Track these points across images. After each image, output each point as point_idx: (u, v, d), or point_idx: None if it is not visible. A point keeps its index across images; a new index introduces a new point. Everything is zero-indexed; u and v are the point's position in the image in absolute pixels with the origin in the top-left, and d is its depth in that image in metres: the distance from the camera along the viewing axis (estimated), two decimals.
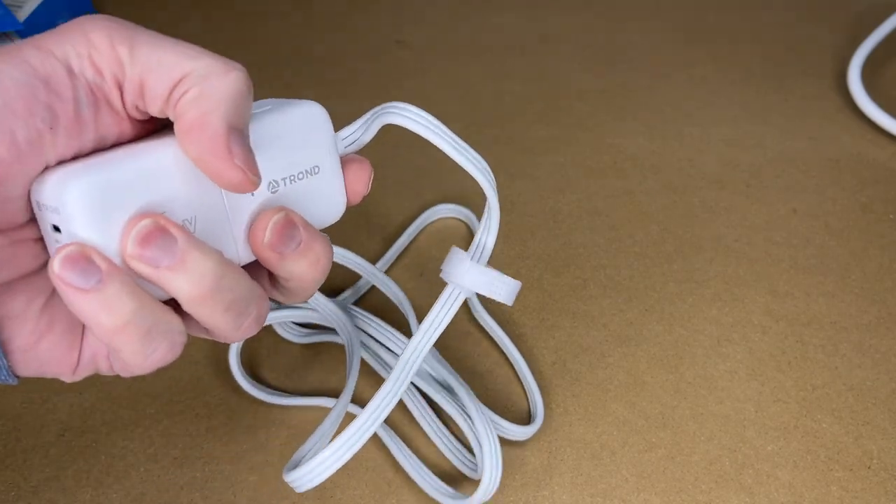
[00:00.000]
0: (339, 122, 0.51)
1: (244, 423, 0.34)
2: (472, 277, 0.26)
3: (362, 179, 0.26)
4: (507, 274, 0.40)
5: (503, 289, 0.27)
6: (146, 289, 0.20)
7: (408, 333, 0.36)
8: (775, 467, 0.33)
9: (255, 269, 0.24)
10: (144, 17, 0.60)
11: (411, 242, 0.42)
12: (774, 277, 0.40)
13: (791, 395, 0.35)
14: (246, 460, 0.33)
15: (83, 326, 0.23)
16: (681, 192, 0.45)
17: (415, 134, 0.49)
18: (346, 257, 0.38)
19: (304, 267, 0.23)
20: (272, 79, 0.54)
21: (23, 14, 0.50)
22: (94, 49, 0.20)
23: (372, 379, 0.36)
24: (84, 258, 0.19)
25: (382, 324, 0.36)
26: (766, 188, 0.45)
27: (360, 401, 0.35)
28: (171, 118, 0.21)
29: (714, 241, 0.42)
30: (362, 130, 0.25)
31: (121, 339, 0.20)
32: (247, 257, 0.23)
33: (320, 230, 0.24)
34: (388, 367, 0.35)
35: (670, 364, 0.37)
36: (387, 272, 0.41)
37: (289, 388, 0.36)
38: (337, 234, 0.43)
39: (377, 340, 0.36)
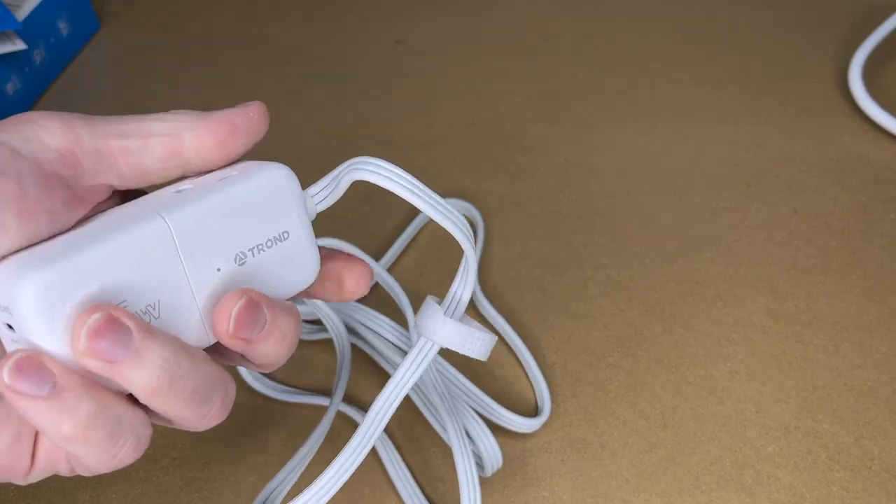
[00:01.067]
0: (339, 122, 0.51)
1: (244, 424, 0.34)
2: (445, 333, 0.25)
3: (361, 282, 0.25)
4: (506, 275, 0.40)
5: (477, 345, 0.26)
6: (105, 384, 0.19)
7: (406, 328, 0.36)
8: (776, 468, 0.33)
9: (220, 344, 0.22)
10: (145, 17, 0.60)
11: (412, 241, 0.42)
12: (775, 277, 0.40)
13: (792, 395, 0.35)
14: (245, 461, 0.33)
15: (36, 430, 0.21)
16: (681, 192, 0.44)
17: (414, 134, 0.49)
18: (352, 252, 0.38)
19: (270, 346, 0.21)
20: (272, 79, 0.54)
21: (22, 13, 0.50)
22: (43, 129, 0.20)
23: (373, 378, 0.36)
24: (35, 365, 0.18)
25: (384, 318, 0.36)
26: (766, 188, 0.45)
27: (358, 401, 0.35)
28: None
29: (714, 241, 0.42)
30: (332, 187, 0.24)
31: (82, 445, 0.18)
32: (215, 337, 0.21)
33: (293, 296, 0.23)
34: (388, 362, 0.35)
35: (671, 364, 0.36)
36: (388, 271, 0.41)
37: (290, 383, 0.36)
38: (338, 232, 0.43)
39: (379, 334, 0.36)
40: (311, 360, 0.37)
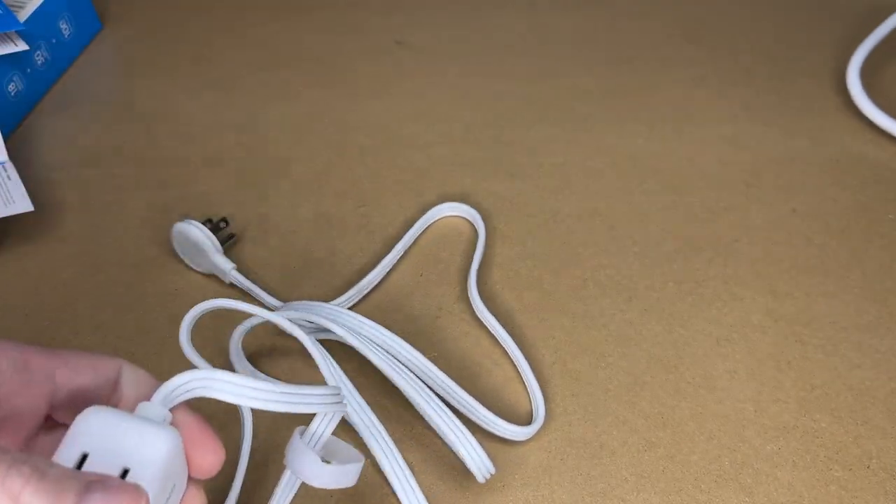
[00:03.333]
0: (340, 123, 0.51)
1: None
2: (312, 472, 0.25)
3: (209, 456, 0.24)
4: (506, 275, 0.40)
5: (345, 478, 0.26)
6: None
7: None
8: (774, 467, 0.33)
9: None
10: (147, 18, 0.60)
11: (413, 243, 0.42)
12: (774, 277, 0.40)
13: (790, 394, 0.35)
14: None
15: None
16: (680, 192, 0.45)
17: (414, 134, 0.49)
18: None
19: None
20: (272, 79, 0.54)
21: (24, 14, 0.50)
22: None
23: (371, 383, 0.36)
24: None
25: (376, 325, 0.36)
26: (765, 188, 0.45)
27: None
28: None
29: (714, 241, 0.42)
30: (174, 398, 0.23)
31: None
32: None
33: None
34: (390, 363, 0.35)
35: (670, 364, 0.37)
36: (389, 273, 0.41)
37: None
38: (336, 235, 0.43)
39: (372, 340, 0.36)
40: (310, 361, 0.37)
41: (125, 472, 0.21)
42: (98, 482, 0.20)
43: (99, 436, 0.21)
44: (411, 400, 0.33)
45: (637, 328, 0.38)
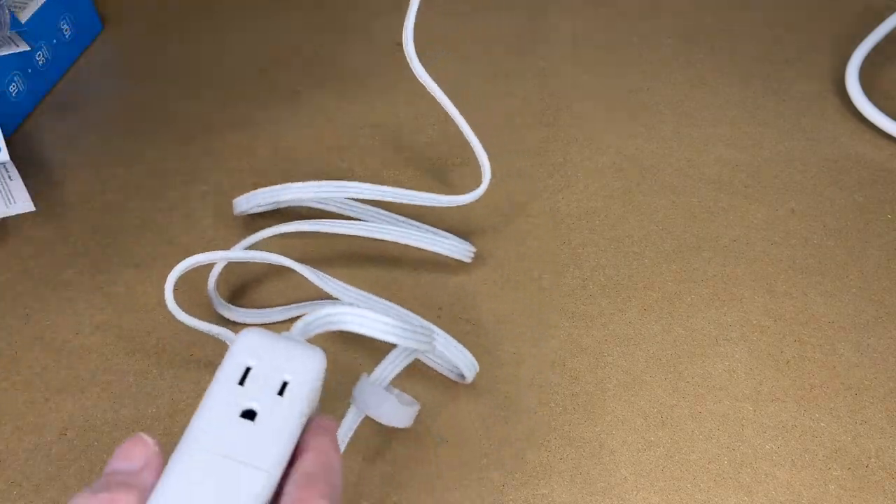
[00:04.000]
0: (340, 125, 0.51)
1: None
2: (380, 406, 0.30)
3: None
4: (505, 275, 0.41)
5: (406, 416, 0.31)
6: None
7: None
8: (773, 466, 0.33)
9: None
10: (148, 19, 0.60)
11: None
12: (773, 277, 0.40)
13: (789, 394, 0.35)
14: None
15: None
16: (679, 193, 0.45)
17: (415, 135, 0.49)
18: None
19: None
20: (273, 80, 0.54)
21: (25, 15, 0.50)
22: None
23: None
24: None
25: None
26: (764, 188, 0.45)
27: None
28: None
29: (712, 241, 0.42)
30: (310, 331, 0.27)
31: None
32: None
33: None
34: None
35: (669, 363, 0.37)
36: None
37: None
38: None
39: None
40: None
41: (285, 384, 0.23)
42: None
43: (259, 352, 0.23)
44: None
45: (636, 328, 0.38)
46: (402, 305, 0.39)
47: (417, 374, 0.36)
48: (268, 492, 0.21)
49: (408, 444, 0.34)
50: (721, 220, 0.43)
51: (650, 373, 0.36)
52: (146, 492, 0.21)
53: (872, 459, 0.33)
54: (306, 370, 0.23)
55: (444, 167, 0.47)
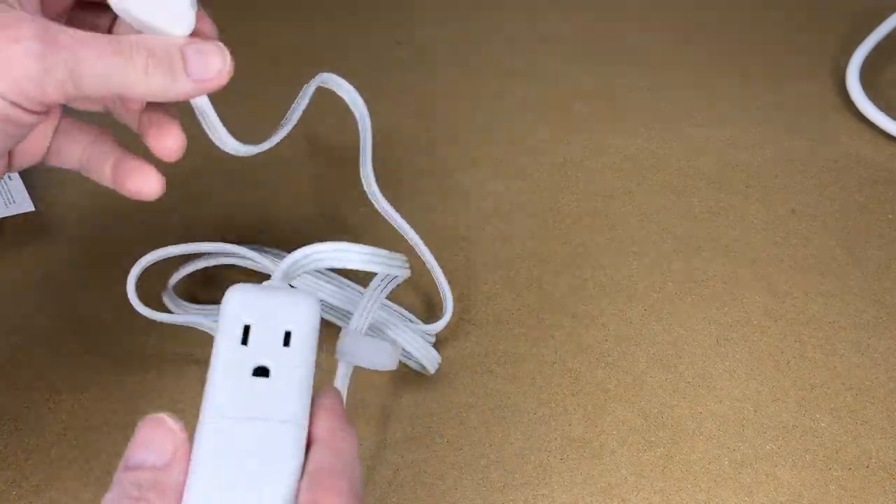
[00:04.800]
0: (340, 123, 0.51)
1: None
2: (366, 351, 0.30)
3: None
4: (506, 275, 0.41)
5: (392, 356, 0.30)
6: None
7: None
8: (774, 466, 0.33)
9: None
10: None
11: None
12: (773, 277, 0.40)
13: (790, 394, 0.35)
14: None
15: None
16: (680, 193, 0.45)
17: (415, 134, 0.49)
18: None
19: None
20: (273, 79, 0.54)
21: None
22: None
23: None
24: None
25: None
26: (765, 188, 0.45)
27: None
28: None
29: (713, 241, 0.42)
30: (291, 275, 0.27)
31: None
32: None
33: None
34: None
35: (669, 363, 0.37)
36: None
37: None
38: (338, 234, 0.43)
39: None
40: None
41: (287, 335, 0.22)
42: (191, 44, 0.24)
43: (254, 308, 0.23)
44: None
45: (637, 328, 0.38)
46: (400, 304, 0.39)
47: (416, 379, 0.36)
48: (302, 443, 0.21)
49: (408, 445, 0.34)
50: (722, 220, 0.43)
51: (650, 373, 0.36)
52: (180, 492, 0.19)
53: (873, 460, 0.33)
54: (305, 316, 0.23)
55: (445, 171, 0.47)
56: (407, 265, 0.29)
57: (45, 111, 0.23)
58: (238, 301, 0.23)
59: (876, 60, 0.51)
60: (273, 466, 0.20)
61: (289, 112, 0.31)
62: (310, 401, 0.22)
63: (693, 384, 0.36)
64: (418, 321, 0.38)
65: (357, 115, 0.35)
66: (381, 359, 0.30)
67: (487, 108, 0.51)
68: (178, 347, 0.38)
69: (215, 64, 0.25)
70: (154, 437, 0.20)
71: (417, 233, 0.37)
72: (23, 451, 0.34)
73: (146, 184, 0.27)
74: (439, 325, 0.36)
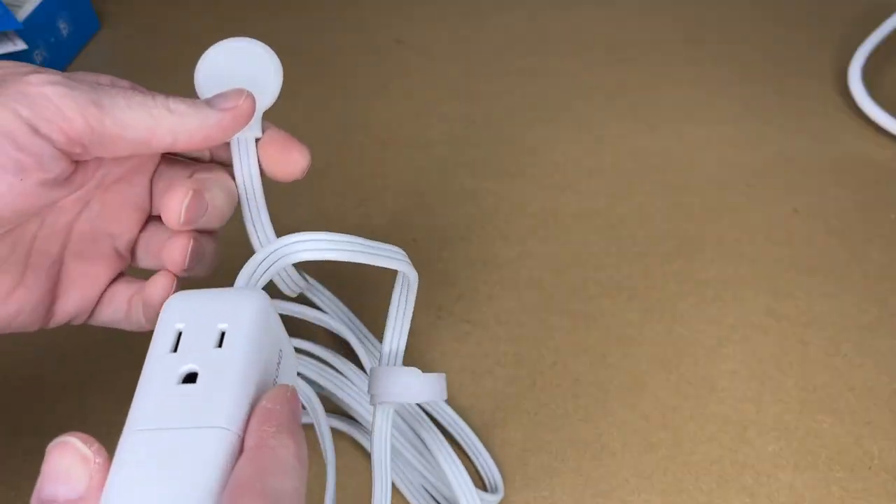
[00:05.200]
0: (339, 123, 0.51)
1: None
2: (412, 387, 0.26)
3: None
4: (506, 275, 0.40)
5: (440, 387, 0.26)
6: None
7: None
8: (776, 468, 0.33)
9: None
10: (145, 18, 0.60)
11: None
12: (775, 278, 0.40)
13: (792, 395, 0.35)
14: None
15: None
16: (681, 192, 0.44)
17: (414, 134, 0.49)
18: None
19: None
20: None
21: (23, 14, 0.50)
22: (61, 115, 0.22)
23: None
24: None
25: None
26: (766, 188, 0.45)
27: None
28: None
29: (714, 241, 0.42)
30: (259, 275, 0.23)
31: None
32: None
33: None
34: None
35: (671, 364, 0.36)
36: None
37: None
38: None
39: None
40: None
41: (222, 335, 0.20)
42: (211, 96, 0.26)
43: (188, 312, 0.21)
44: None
45: (637, 328, 0.38)
46: None
47: None
48: (230, 448, 0.18)
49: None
50: (723, 219, 0.43)
51: (652, 374, 0.36)
52: None
53: (875, 461, 0.33)
54: (244, 312, 0.20)
55: (452, 166, 0.47)
56: (406, 258, 0.26)
57: (70, 151, 0.23)
58: (174, 309, 0.21)
59: (878, 59, 0.51)
60: (192, 477, 0.18)
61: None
62: (248, 403, 0.19)
63: (695, 385, 0.36)
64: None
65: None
66: (430, 390, 0.26)
67: (487, 107, 0.51)
68: None
69: (236, 94, 0.26)
70: (64, 466, 0.18)
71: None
72: (21, 451, 0.34)
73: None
74: (494, 499, 0.32)
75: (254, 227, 0.27)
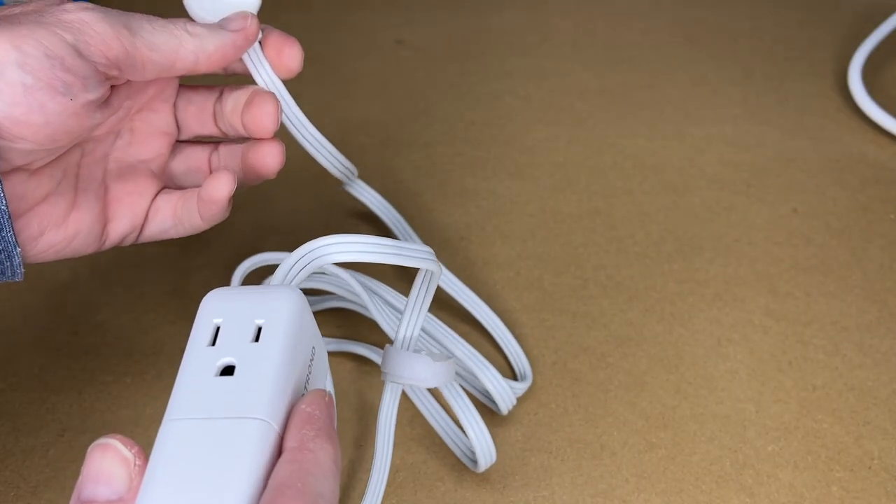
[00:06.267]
0: (339, 122, 0.51)
1: None
2: (423, 371, 0.27)
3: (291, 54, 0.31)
4: (506, 275, 0.40)
5: (449, 372, 0.28)
6: None
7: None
8: (776, 467, 0.33)
9: None
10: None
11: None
12: (775, 277, 0.40)
13: (792, 395, 0.35)
14: None
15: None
16: (681, 192, 0.45)
17: (414, 134, 0.49)
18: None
19: None
20: None
21: None
22: (100, 39, 0.24)
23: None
24: None
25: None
26: (766, 188, 0.45)
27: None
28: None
29: (714, 241, 0.42)
30: (294, 275, 0.24)
31: None
32: None
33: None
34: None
35: (671, 364, 0.36)
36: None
37: None
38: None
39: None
40: None
41: (259, 330, 0.21)
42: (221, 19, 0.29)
43: (226, 308, 0.21)
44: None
45: (637, 328, 0.38)
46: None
47: None
48: (270, 439, 0.19)
49: (407, 446, 0.34)
50: (723, 219, 0.43)
51: (652, 373, 0.36)
52: None
53: (875, 461, 0.33)
54: (279, 309, 0.21)
55: (452, 165, 0.47)
56: (434, 257, 0.27)
57: (108, 74, 0.25)
58: (213, 304, 0.22)
59: (878, 59, 0.51)
60: (232, 465, 0.18)
61: None
62: (286, 398, 0.20)
63: (694, 385, 0.36)
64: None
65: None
66: (437, 376, 0.27)
67: (487, 107, 0.51)
68: (178, 347, 0.37)
69: (245, 18, 0.29)
70: (105, 467, 0.18)
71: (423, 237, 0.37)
72: (21, 451, 0.34)
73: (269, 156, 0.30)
74: (524, 386, 0.34)
75: (291, 123, 0.31)
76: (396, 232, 0.40)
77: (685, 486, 0.32)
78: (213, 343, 0.21)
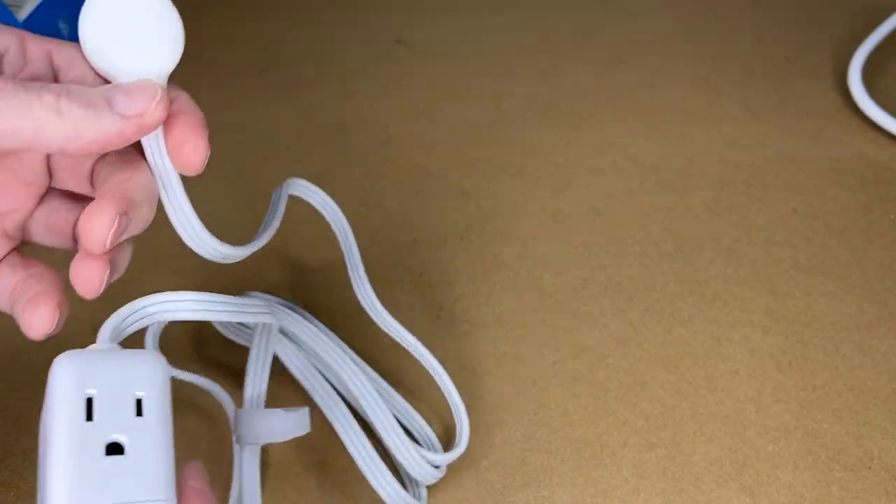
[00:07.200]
0: (340, 123, 0.51)
1: None
2: (273, 427, 0.26)
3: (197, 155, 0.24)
4: (506, 275, 0.40)
5: (304, 423, 0.27)
6: None
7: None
8: (776, 467, 0.33)
9: None
10: None
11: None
12: (775, 277, 0.40)
13: (791, 395, 0.35)
14: None
15: None
16: (681, 192, 0.45)
17: (414, 134, 0.49)
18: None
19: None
20: (272, 80, 0.54)
21: (23, 14, 0.50)
22: None
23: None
24: None
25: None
26: (766, 188, 0.45)
27: None
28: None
29: (714, 241, 0.42)
30: (118, 335, 0.24)
31: None
32: None
33: None
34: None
35: (670, 364, 0.36)
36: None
37: None
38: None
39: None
40: None
41: (139, 403, 0.20)
42: (114, 86, 0.22)
43: (91, 376, 0.20)
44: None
45: (637, 328, 0.38)
46: (401, 306, 0.39)
47: (419, 386, 0.36)
48: None
49: None
50: (723, 219, 0.43)
51: (652, 373, 0.36)
52: None
53: (875, 461, 0.33)
54: (154, 379, 0.20)
55: (445, 169, 0.47)
56: (268, 310, 0.25)
57: None
58: (71, 370, 0.20)
59: (878, 59, 0.51)
60: None
61: (265, 219, 0.28)
62: (173, 474, 0.20)
63: (694, 385, 0.36)
64: (430, 431, 0.34)
65: (332, 223, 0.29)
66: (295, 427, 0.26)
67: (487, 107, 0.51)
68: (177, 347, 0.37)
69: (144, 96, 0.21)
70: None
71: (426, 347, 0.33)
72: (21, 451, 0.34)
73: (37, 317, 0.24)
74: (447, 457, 0.31)
75: (179, 223, 0.25)
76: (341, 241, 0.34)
77: (685, 485, 0.32)
78: (90, 418, 0.19)
